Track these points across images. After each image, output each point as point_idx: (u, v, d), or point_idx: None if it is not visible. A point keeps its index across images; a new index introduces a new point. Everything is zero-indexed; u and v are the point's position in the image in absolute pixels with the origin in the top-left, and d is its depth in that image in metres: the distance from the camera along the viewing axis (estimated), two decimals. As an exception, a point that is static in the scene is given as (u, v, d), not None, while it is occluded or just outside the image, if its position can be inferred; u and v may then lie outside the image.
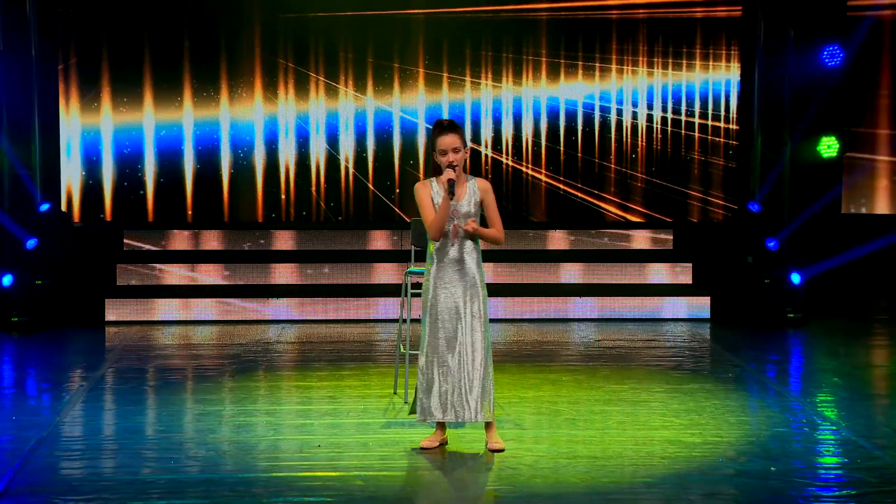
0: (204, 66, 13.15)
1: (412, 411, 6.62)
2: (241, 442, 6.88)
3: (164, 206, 13.20)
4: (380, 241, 12.97)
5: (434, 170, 6.71)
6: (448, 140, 6.52)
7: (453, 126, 6.55)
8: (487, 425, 6.66)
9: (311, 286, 12.40)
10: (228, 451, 6.65)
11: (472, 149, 13.29)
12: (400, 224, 13.18)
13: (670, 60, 13.50)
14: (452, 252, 6.59)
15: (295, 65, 13.30)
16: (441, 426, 6.71)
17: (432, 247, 6.64)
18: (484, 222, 6.70)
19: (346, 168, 13.34)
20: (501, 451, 6.60)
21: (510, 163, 13.43)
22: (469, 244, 6.61)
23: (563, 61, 13.44)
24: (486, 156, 13.40)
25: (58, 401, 8.14)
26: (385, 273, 12.49)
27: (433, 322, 6.57)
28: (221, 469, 6.31)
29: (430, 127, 6.70)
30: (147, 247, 12.78)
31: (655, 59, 13.49)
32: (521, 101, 13.47)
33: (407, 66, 13.37)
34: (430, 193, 6.58)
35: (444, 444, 6.71)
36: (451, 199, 6.47)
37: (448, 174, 6.47)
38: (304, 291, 12.21)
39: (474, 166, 13.29)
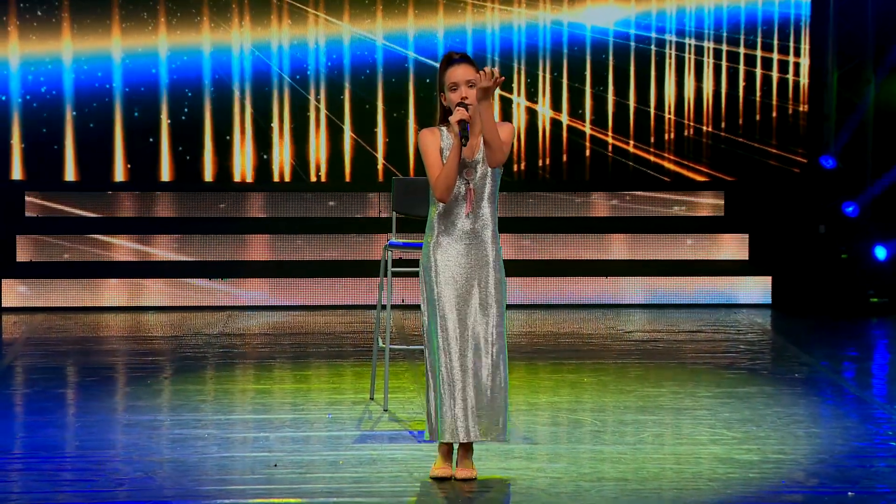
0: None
1: (432, 434, 6.44)
2: (179, 461, 6.88)
3: (83, 160, 13.08)
4: (357, 205, 12.93)
5: (443, 119, 6.45)
6: (461, 72, 6.36)
7: (467, 58, 6.47)
8: (465, 446, 6.49)
9: (271, 263, 12.35)
10: (163, 472, 6.65)
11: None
12: (386, 185, 13.16)
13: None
14: (463, 222, 6.46)
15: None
16: (448, 447, 6.52)
17: (434, 212, 6.47)
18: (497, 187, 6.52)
19: (319, 112, 13.26)
20: (472, 479, 6.43)
21: (522, 103, 13.40)
22: (486, 212, 6.43)
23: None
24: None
25: (-54, 409, 8.16)
26: (362, 247, 12.45)
27: (439, 314, 6.41)
28: (154, 494, 6.32)
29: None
30: (57, 212, 12.70)
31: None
32: (537, 28, 13.42)
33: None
34: (439, 143, 6.43)
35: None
36: (464, 146, 6.28)
37: (459, 113, 6.27)
38: (261, 270, 12.18)
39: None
